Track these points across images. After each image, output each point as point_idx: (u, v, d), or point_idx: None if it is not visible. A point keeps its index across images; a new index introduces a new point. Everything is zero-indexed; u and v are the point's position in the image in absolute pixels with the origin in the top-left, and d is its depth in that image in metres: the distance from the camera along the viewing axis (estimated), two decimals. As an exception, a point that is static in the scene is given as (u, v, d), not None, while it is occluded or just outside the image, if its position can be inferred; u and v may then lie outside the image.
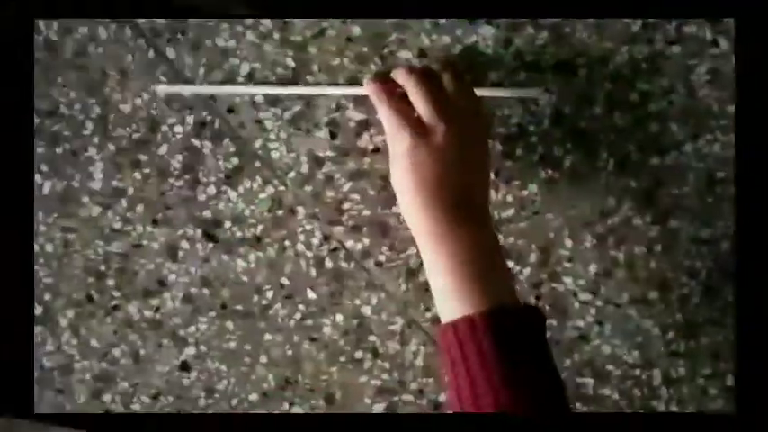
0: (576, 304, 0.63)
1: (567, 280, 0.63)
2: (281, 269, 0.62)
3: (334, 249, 0.62)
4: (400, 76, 0.52)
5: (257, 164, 0.61)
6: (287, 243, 0.62)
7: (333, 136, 0.61)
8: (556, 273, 0.63)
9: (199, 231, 0.62)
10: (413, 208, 0.49)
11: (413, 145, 0.49)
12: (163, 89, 0.59)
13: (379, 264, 0.62)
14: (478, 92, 0.56)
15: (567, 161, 0.61)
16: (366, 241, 0.62)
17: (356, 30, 0.59)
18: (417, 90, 0.50)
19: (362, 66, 0.60)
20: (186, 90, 0.59)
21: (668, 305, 0.63)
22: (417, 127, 0.49)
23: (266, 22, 0.59)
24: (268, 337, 0.63)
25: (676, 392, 0.64)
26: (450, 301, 0.47)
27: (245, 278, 0.63)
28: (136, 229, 0.62)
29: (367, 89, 0.53)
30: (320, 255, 0.62)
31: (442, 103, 0.50)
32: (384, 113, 0.51)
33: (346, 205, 0.62)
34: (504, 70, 0.59)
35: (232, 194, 0.62)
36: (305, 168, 0.61)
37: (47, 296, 0.63)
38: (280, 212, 0.62)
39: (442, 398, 0.63)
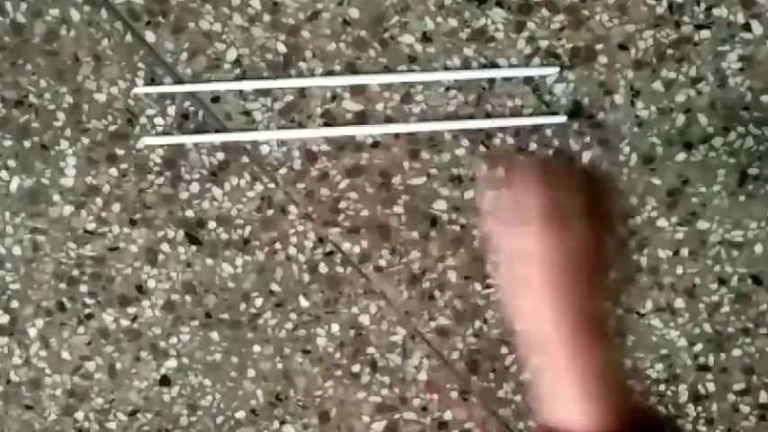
0: (595, 313, 0.60)
1: (585, 287, 0.60)
2: (271, 275, 0.60)
3: (330, 253, 0.60)
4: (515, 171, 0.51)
5: (245, 159, 0.59)
6: (277, 246, 0.60)
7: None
8: (572, 279, 0.60)
9: (181, 233, 0.60)
10: (538, 307, 0.48)
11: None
12: (142, 90, 0.58)
13: (378, 269, 0.60)
14: (486, 73, 0.57)
15: (584, 156, 0.59)
16: (364, 244, 0.60)
17: (353, 12, 0.58)
18: (519, 186, 0.49)
19: (360, 51, 0.58)
20: (168, 89, 0.58)
21: (696, 314, 0.61)
22: (513, 228, 0.48)
23: (255, 4, 0.58)
24: (257, 348, 0.61)
25: (705, 410, 0.62)
26: (574, 406, 0.46)
27: (231, 284, 0.61)
28: (112, 231, 0.60)
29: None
30: (314, 259, 0.60)
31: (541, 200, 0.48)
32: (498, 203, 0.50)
33: (343, 204, 0.60)
34: (516, 57, 0.58)
35: (217, 192, 0.60)
36: (297, 164, 0.59)
37: (14, 304, 0.61)
38: (270, 212, 0.60)
39: (447, 415, 0.62)
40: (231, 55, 0.58)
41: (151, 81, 0.58)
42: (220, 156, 0.59)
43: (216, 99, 0.58)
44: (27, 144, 0.58)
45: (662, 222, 0.60)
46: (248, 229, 0.60)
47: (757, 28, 0.57)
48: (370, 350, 0.61)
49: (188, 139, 0.58)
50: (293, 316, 0.61)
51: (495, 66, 0.58)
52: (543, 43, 0.58)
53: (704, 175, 0.59)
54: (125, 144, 0.59)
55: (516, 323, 0.49)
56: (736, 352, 0.61)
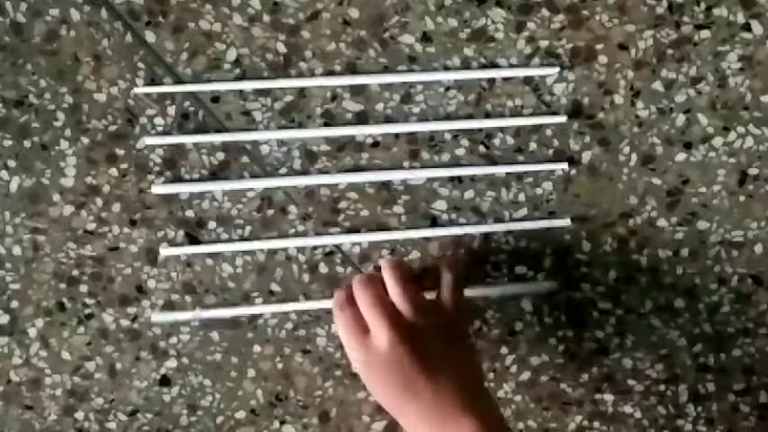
0: (595, 313, 0.61)
1: (585, 287, 0.60)
2: (271, 274, 0.60)
3: (330, 253, 0.60)
4: (353, 286, 0.53)
5: (245, 159, 0.58)
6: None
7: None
8: (572, 279, 0.60)
9: (181, 233, 0.59)
10: (395, 415, 0.50)
11: (360, 356, 0.50)
12: (142, 90, 0.58)
13: (378, 269, 0.59)
14: (486, 73, 0.57)
15: (584, 156, 0.59)
16: (364, 244, 0.60)
17: (353, 12, 0.57)
18: (358, 299, 0.52)
19: (360, 51, 0.58)
20: (168, 89, 0.57)
21: (696, 314, 0.61)
22: (363, 337, 0.50)
23: (255, 4, 0.57)
24: (257, 348, 0.61)
25: (705, 410, 0.62)
26: None
27: (231, 284, 0.60)
28: (112, 231, 0.59)
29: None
30: (314, 259, 0.60)
31: (380, 308, 0.50)
32: (337, 327, 0.53)
33: (342, 204, 0.59)
34: (516, 57, 0.58)
35: (217, 192, 0.58)
36: (297, 164, 0.59)
37: (14, 304, 0.60)
38: (270, 212, 0.59)
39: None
40: (231, 55, 0.57)
41: (151, 81, 0.57)
42: (220, 156, 0.58)
43: (216, 99, 0.58)
44: (27, 144, 0.58)
45: (662, 222, 0.59)
46: (248, 229, 0.59)
47: (757, 28, 0.57)
48: (370, 350, 0.61)
49: (188, 139, 0.58)
50: (293, 316, 0.60)
51: (494, 66, 0.58)
52: (543, 43, 0.57)
53: (704, 175, 0.59)
54: (125, 144, 0.58)
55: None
56: (736, 352, 0.61)
